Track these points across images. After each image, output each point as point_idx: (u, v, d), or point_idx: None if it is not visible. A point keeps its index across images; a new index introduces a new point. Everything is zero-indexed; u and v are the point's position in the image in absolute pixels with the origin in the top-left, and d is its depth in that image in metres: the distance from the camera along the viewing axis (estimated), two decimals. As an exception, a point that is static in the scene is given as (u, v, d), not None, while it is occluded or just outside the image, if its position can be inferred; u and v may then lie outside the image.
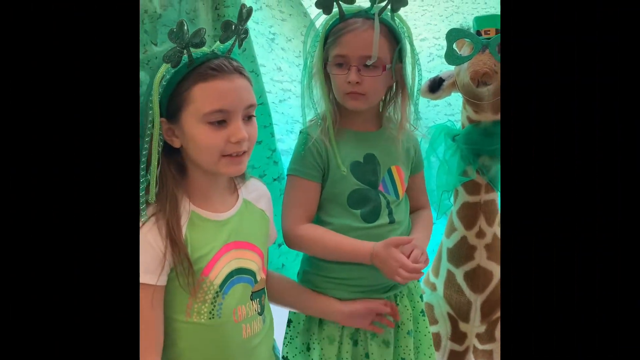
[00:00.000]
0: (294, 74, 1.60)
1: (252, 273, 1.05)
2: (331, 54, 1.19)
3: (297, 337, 1.28)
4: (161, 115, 0.98)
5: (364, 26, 1.15)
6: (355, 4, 1.17)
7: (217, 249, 1.00)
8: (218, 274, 1.00)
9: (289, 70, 1.60)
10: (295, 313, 1.29)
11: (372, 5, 1.17)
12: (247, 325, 1.03)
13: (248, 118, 0.99)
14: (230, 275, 1.01)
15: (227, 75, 0.96)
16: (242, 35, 1.02)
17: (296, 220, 1.20)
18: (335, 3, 1.15)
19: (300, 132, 1.25)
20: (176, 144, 0.99)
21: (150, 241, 0.95)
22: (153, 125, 0.97)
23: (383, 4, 1.16)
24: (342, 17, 1.17)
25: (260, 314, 1.07)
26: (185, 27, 0.92)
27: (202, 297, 0.99)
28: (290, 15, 1.55)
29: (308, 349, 1.26)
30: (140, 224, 0.95)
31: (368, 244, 1.17)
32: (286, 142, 1.58)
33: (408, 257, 1.14)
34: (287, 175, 1.24)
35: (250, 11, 1.02)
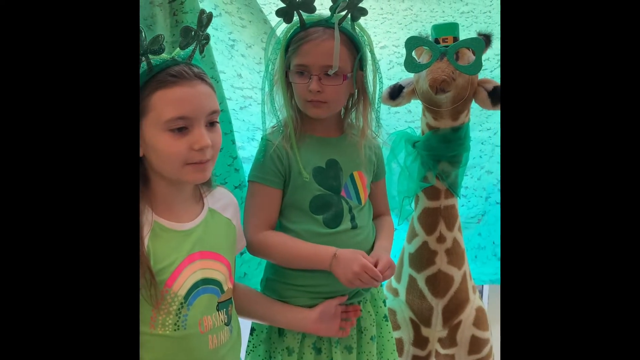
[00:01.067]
0: (255, 81, 1.59)
1: (218, 283, 1.03)
2: (292, 62, 1.19)
3: (260, 345, 1.27)
4: None
5: (325, 35, 1.16)
6: (316, 13, 1.17)
7: (181, 259, 0.98)
8: (182, 284, 0.98)
9: (250, 77, 1.59)
10: None
11: (332, 15, 1.17)
12: (214, 336, 1.02)
13: (211, 124, 0.98)
14: (196, 285, 0.99)
15: (188, 81, 0.95)
16: (202, 41, 1.01)
17: (257, 227, 1.20)
18: (295, 12, 1.15)
19: (261, 138, 1.24)
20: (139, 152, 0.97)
21: None
22: None
23: (343, 13, 1.17)
24: (303, 25, 1.17)
25: (227, 324, 1.06)
26: (143, 34, 0.91)
27: (167, 309, 0.97)
28: (250, 22, 1.54)
29: (270, 357, 1.25)
30: None
31: (329, 249, 1.18)
32: (247, 150, 1.57)
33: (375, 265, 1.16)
34: (248, 181, 1.23)
35: (210, 17, 1.00)
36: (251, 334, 1.30)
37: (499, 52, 1.56)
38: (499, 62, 1.67)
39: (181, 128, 0.94)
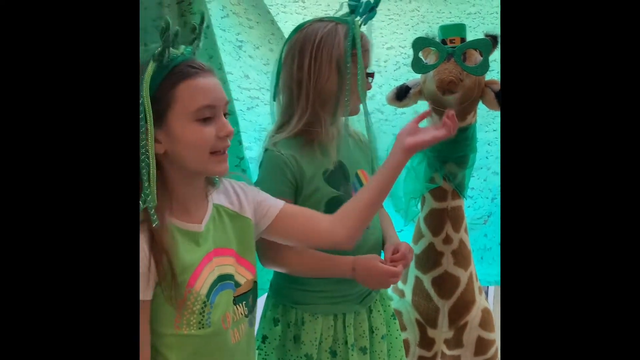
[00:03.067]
0: (262, 82, 1.59)
1: (231, 277, 1.03)
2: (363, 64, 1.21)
3: (272, 353, 1.27)
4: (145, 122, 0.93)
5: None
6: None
7: (200, 259, 0.99)
8: (203, 284, 0.98)
9: (257, 77, 1.59)
10: (270, 329, 1.27)
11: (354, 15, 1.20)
12: (235, 330, 1.03)
13: (225, 115, 0.99)
14: (215, 283, 1.00)
15: (207, 72, 0.96)
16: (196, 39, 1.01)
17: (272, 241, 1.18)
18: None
19: (265, 150, 1.23)
20: (159, 149, 0.95)
21: None
22: (147, 127, 0.92)
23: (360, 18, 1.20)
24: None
25: (247, 316, 1.06)
26: (172, 27, 0.91)
27: (190, 308, 0.97)
28: (257, 22, 1.54)
29: None
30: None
31: (347, 259, 1.18)
32: (254, 150, 1.57)
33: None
34: None
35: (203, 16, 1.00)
36: (263, 342, 1.28)
37: (506, 53, 1.56)
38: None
39: (207, 118, 0.94)
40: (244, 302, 1.05)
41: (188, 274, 0.97)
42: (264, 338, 1.28)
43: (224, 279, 1.02)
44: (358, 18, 1.21)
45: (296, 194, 1.21)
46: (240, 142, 1.42)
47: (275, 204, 1.11)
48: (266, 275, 1.32)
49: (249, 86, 1.57)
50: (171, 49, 0.94)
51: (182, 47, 0.98)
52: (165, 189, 0.98)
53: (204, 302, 0.98)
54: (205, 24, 1.00)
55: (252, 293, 1.08)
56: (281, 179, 1.19)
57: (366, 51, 1.23)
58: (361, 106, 1.24)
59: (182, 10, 1.19)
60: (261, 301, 1.25)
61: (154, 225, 0.93)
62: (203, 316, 0.98)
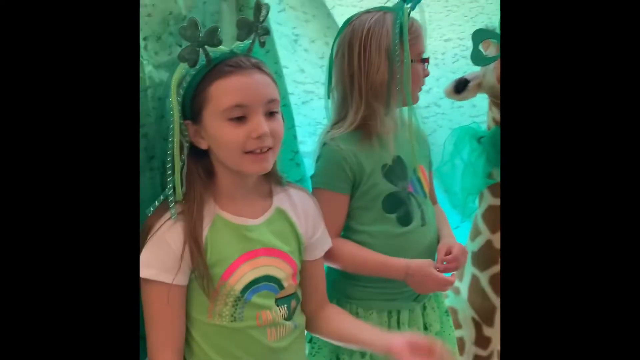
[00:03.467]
0: (317, 76, 1.59)
1: (277, 280, 1.02)
2: (415, 51, 1.20)
3: (325, 347, 1.26)
4: (186, 118, 0.98)
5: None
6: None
7: (239, 254, 0.99)
8: (239, 279, 0.98)
9: (312, 71, 1.59)
10: None
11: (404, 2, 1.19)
12: (273, 329, 1.02)
13: (270, 114, 0.97)
14: (256, 281, 0.99)
15: (244, 70, 0.95)
16: (260, 33, 1.00)
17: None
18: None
19: (323, 144, 1.22)
20: (203, 145, 0.98)
21: (169, 241, 0.95)
22: (174, 125, 0.96)
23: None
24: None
25: (287, 319, 1.04)
26: (198, 26, 0.92)
27: (224, 301, 0.98)
28: (313, 16, 1.54)
29: (337, 358, 1.25)
30: (163, 221, 0.96)
31: (400, 262, 1.17)
32: (308, 144, 1.57)
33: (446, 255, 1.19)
34: (314, 188, 1.21)
35: (266, 8, 0.99)
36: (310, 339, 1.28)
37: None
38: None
39: (240, 117, 0.94)
40: (285, 305, 1.04)
41: (222, 268, 0.97)
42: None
43: (268, 280, 1.01)
44: (407, 5, 1.19)
45: (353, 189, 1.20)
46: (294, 136, 1.42)
47: (322, 251, 1.12)
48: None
49: (304, 80, 1.58)
50: (211, 47, 0.94)
51: (236, 44, 0.99)
52: (213, 180, 1.01)
53: (238, 297, 0.98)
54: (260, 19, 0.98)
55: (294, 297, 1.07)
56: (339, 174, 1.18)
57: (418, 37, 1.20)
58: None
59: (240, 5, 1.20)
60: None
61: (172, 219, 0.95)
62: (236, 309, 0.98)
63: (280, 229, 1.05)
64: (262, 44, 1.02)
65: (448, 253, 1.20)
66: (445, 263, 1.19)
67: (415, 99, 1.24)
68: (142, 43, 1.03)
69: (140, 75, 1.02)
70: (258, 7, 0.98)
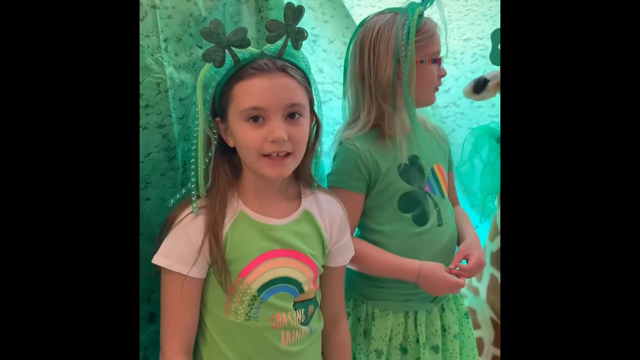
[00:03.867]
0: (336, 76, 1.59)
1: (297, 283, 1.02)
2: (427, 51, 1.19)
3: None
4: (216, 116, 0.99)
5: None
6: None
7: (260, 252, 0.99)
8: (257, 278, 0.98)
9: (331, 71, 1.59)
10: None
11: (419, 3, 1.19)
12: (287, 333, 1.01)
13: (291, 117, 0.96)
14: (274, 282, 0.99)
15: (267, 73, 0.95)
16: (296, 35, 0.99)
17: None
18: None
19: (340, 143, 1.22)
20: (231, 143, 1.00)
21: (189, 233, 0.96)
22: (199, 122, 0.98)
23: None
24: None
25: (304, 324, 1.04)
26: (221, 26, 0.92)
27: (240, 298, 0.98)
28: (332, 17, 1.54)
29: (354, 359, 1.25)
30: (186, 214, 0.97)
31: (413, 264, 1.17)
32: (326, 144, 1.57)
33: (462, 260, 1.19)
34: (330, 187, 1.21)
35: (299, 10, 0.98)
36: None
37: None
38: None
39: (257, 118, 0.94)
40: (302, 310, 1.03)
41: (241, 265, 0.98)
42: None
43: (287, 281, 1.01)
44: (421, 6, 1.19)
45: (368, 188, 1.20)
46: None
47: (344, 260, 1.13)
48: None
49: (322, 80, 1.58)
50: (238, 48, 0.95)
51: (267, 45, 0.99)
52: (239, 178, 1.02)
53: (254, 296, 0.98)
54: (292, 21, 0.97)
55: (313, 302, 1.06)
56: (355, 173, 1.18)
57: (431, 36, 1.20)
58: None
59: (260, 7, 1.21)
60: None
61: (193, 213, 0.96)
62: (251, 308, 0.99)
63: (306, 232, 1.04)
64: (297, 46, 1.01)
65: (465, 258, 1.19)
66: (457, 269, 1.18)
67: (432, 100, 1.24)
68: (162, 45, 1.04)
69: (161, 76, 1.04)
70: (292, 11, 0.97)
